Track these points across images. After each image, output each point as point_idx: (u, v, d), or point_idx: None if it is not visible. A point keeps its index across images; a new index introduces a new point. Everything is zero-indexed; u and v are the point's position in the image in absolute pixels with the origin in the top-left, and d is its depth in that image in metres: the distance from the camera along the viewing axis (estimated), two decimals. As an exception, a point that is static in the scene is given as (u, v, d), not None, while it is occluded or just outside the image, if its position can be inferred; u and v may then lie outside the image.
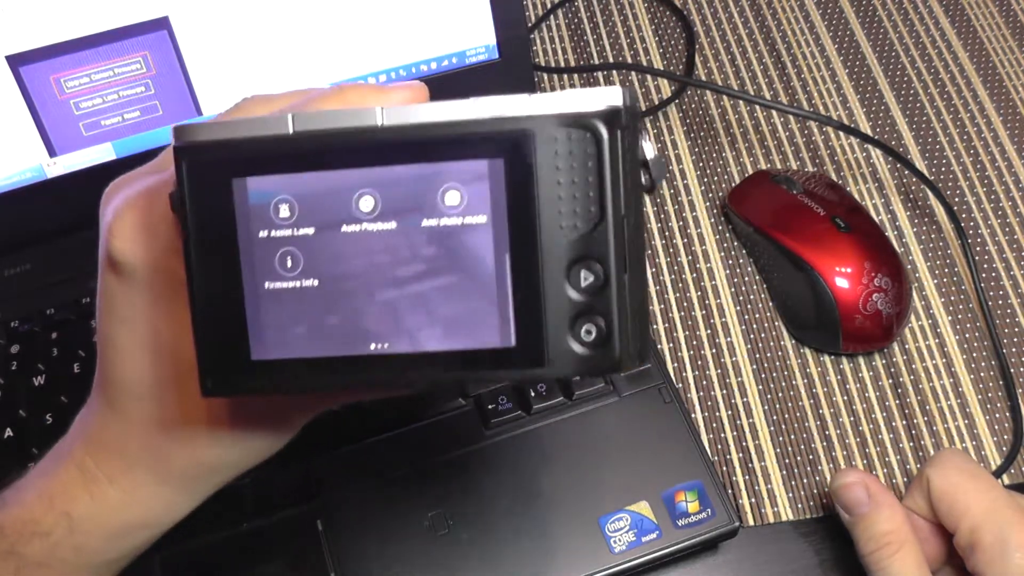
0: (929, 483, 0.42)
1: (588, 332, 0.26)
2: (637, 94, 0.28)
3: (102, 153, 0.52)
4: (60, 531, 0.33)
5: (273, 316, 0.27)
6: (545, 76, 0.66)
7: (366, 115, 0.26)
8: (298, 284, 0.27)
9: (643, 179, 0.28)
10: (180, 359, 0.31)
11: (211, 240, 0.27)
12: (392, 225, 0.26)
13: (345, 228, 0.26)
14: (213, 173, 0.27)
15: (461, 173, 0.25)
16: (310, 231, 0.26)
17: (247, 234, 0.27)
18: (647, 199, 0.60)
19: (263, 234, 0.26)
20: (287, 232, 0.26)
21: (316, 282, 0.27)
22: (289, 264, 0.27)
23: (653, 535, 0.44)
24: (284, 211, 0.26)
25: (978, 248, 0.57)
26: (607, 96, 0.25)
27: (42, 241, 0.54)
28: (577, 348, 0.26)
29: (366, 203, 0.26)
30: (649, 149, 0.29)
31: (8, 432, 0.48)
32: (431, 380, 0.27)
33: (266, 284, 0.27)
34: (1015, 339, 0.53)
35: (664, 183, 0.60)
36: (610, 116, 0.25)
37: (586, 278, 0.26)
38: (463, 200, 0.26)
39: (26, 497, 0.34)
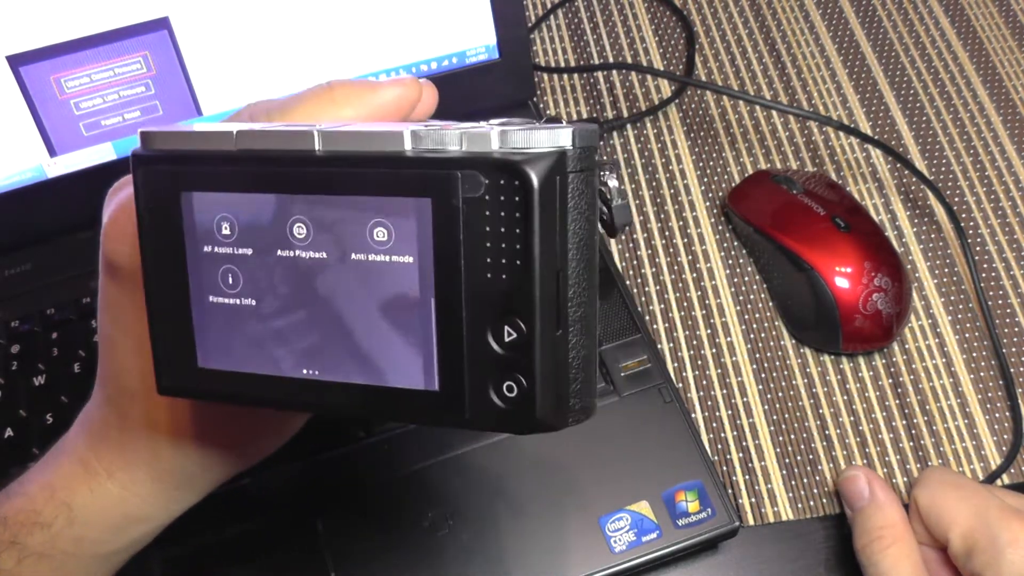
0: (916, 503, 0.42)
1: (509, 388, 0.24)
2: (597, 134, 0.26)
3: (102, 153, 0.52)
4: (60, 522, 0.33)
5: (217, 328, 0.27)
6: (545, 76, 0.66)
7: (304, 139, 0.25)
8: (238, 302, 0.27)
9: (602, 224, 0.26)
10: None
11: (164, 248, 0.27)
12: (323, 255, 0.25)
13: (280, 252, 0.26)
14: (163, 184, 0.27)
15: (389, 209, 0.24)
16: (248, 251, 0.26)
17: (194, 247, 0.27)
18: (650, 210, 0.59)
19: (207, 249, 0.27)
20: (228, 250, 0.26)
21: (254, 302, 0.26)
22: (230, 281, 0.27)
23: (653, 535, 0.44)
24: (225, 229, 0.26)
25: (978, 248, 0.57)
26: (554, 137, 0.24)
27: (42, 241, 0.54)
28: (498, 402, 0.24)
29: (299, 230, 0.26)
30: (615, 193, 0.27)
31: (8, 432, 0.48)
32: (357, 412, 0.26)
33: (210, 297, 0.27)
34: (1015, 339, 0.53)
35: (664, 183, 0.60)
36: (549, 162, 0.23)
37: (509, 333, 0.24)
38: (391, 237, 0.25)
39: (29, 489, 0.34)
